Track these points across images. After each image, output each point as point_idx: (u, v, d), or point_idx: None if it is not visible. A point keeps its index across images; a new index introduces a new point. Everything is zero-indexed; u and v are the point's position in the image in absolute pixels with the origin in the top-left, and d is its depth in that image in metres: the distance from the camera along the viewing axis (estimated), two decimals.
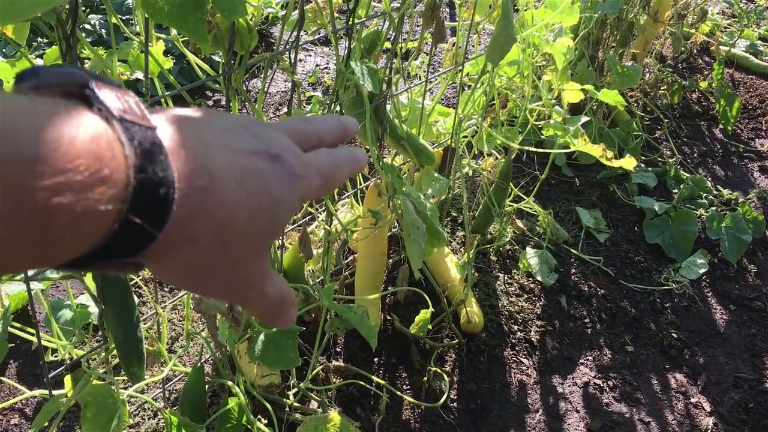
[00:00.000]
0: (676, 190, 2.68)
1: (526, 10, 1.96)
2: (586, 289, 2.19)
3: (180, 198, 0.37)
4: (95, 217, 0.33)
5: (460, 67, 1.94)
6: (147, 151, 0.36)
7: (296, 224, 1.83)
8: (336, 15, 1.39)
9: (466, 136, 2.11)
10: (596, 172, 2.75)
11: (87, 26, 2.79)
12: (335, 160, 0.50)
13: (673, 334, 2.07)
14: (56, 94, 0.36)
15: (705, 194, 2.66)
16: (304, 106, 2.88)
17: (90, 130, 0.33)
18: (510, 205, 2.30)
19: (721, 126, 3.16)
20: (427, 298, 1.72)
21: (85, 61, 1.02)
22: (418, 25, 1.66)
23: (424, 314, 1.75)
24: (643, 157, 2.86)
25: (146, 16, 0.90)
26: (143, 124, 0.37)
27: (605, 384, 1.90)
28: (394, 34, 1.54)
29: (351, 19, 1.37)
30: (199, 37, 0.89)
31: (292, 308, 0.50)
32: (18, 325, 1.31)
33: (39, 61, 1.09)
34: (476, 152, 2.20)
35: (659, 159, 2.89)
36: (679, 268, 2.31)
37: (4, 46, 2.55)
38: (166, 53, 1.19)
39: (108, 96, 0.36)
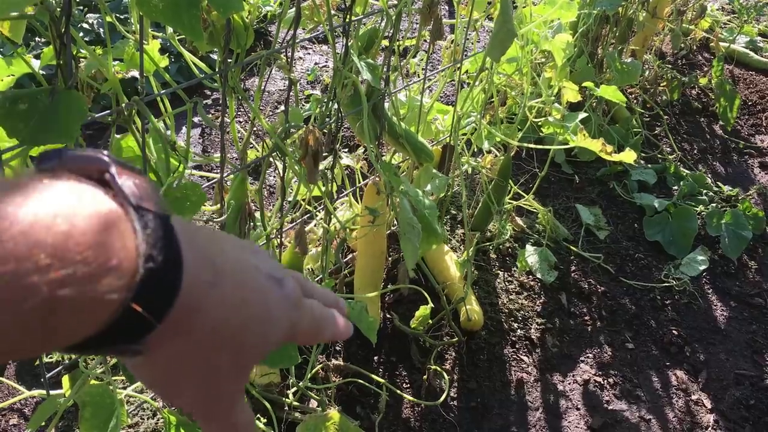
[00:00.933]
0: (676, 187, 2.67)
1: (524, 6, 1.96)
2: (586, 286, 2.18)
3: (185, 289, 0.37)
4: (99, 306, 0.33)
5: (459, 65, 1.94)
6: (160, 239, 0.36)
7: (294, 222, 1.83)
8: (333, 12, 1.39)
9: (465, 134, 2.10)
10: (596, 169, 2.74)
11: (85, 25, 2.78)
12: (327, 314, 0.51)
13: (674, 331, 2.06)
14: (75, 176, 0.36)
15: (705, 191, 2.66)
16: (303, 105, 2.88)
17: (103, 219, 0.34)
18: (509, 203, 2.29)
19: (721, 122, 3.15)
20: (426, 295, 1.71)
21: (81, 60, 1.02)
22: (416, 23, 1.65)
23: (424, 310, 1.75)
24: (643, 154, 2.85)
25: (141, 14, 0.89)
26: (158, 212, 0.37)
27: (606, 381, 1.90)
28: (391, 31, 1.53)
29: (348, 16, 1.36)
30: (194, 34, 0.88)
31: None
32: None
33: (35, 62, 1.08)
34: (475, 150, 2.19)
35: (659, 156, 2.88)
36: (680, 265, 2.31)
37: (1, 45, 2.55)
38: (164, 52, 1.19)
39: (126, 183, 0.37)
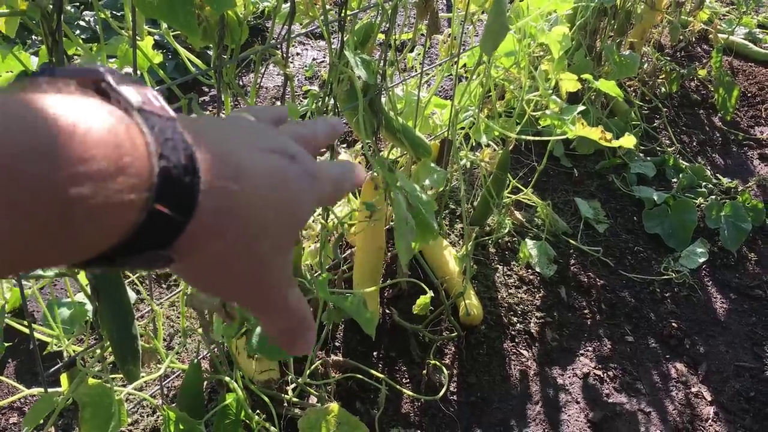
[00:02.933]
0: (675, 180, 2.66)
1: (521, 0, 1.95)
2: (585, 279, 2.18)
3: (206, 188, 0.36)
4: (118, 208, 0.33)
5: (456, 59, 1.93)
6: (169, 140, 0.35)
7: None
8: (329, 7, 1.38)
9: (463, 128, 2.10)
10: (595, 162, 2.73)
11: (81, 23, 2.77)
12: (342, 170, 0.51)
13: (674, 324, 2.06)
14: (72, 89, 0.35)
15: (704, 183, 2.65)
16: (301, 101, 2.87)
17: (107, 120, 0.33)
18: (508, 197, 2.29)
19: (720, 114, 3.15)
20: (426, 288, 1.71)
21: (74, 57, 1.01)
22: (412, 17, 1.64)
23: (425, 298, 1.74)
24: (642, 147, 2.84)
25: (134, 9, 0.89)
26: (163, 114, 0.36)
27: (605, 375, 1.90)
28: (387, 25, 1.53)
29: (344, 11, 1.36)
30: (188, 29, 0.88)
31: (310, 332, 0.49)
32: (16, 321, 1.30)
33: (34, 60, 1.08)
34: (474, 144, 2.19)
35: (658, 148, 2.87)
36: (679, 257, 2.30)
37: None
38: (160, 48, 1.19)
39: (126, 88, 0.36)
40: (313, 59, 3.30)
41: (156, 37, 1.17)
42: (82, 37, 2.70)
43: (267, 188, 0.40)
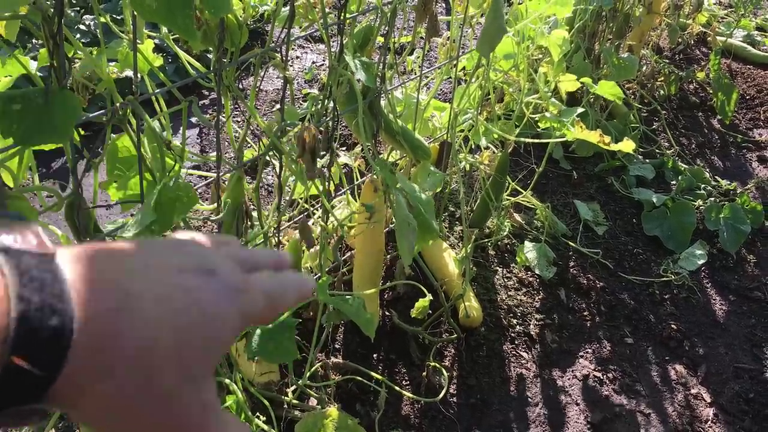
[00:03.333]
0: (674, 182, 2.67)
1: (520, 3, 1.96)
2: (584, 281, 2.19)
3: (82, 325, 0.33)
4: None
5: (455, 62, 1.94)
6: (35, 279, 0.32)
7: (293, 220, 1.83)
8: (328, 10, 1.39)
9: (462, 131, 2.10)
10: (594, 164, 2.74)
11: (82, 27, 2.78)
12: (281, 282, 0.46)
13: (673, 326, 2.07)
14: None
15: (703, 185, 2.66)
16: (301, 104, 2.88)
17: None
18: (507, 199, 2.29)
19: (719, 117, 3.15)
20: (425, 290, 1.71)
21: (75, 60, 1.02)
22: (411, 20, 1.65)
23: (423, 302, 1.75)
24: (641, 149, 2.85)
25: (135, 13, 0.89)
26: (38, 251, 0.34)
27: (605, 376, 1.90)
28: (386, 29, 1.54)
29: (342, 14, 1.36)
30: (187, 33, 0.88)
31: None
32: None
33: (33, 63, 1.08)
34: (473, 146, 2.20)
35: (657, 151, 2.88)
36: (678, 259, 2.31)
37: None
38: (161, 51, 1.19)
39: None
40: (313, 62, 3.31)
41: (156, 41, 1.17)
42: (83, 40, 2.70)
43: (167, 312, 0.37)
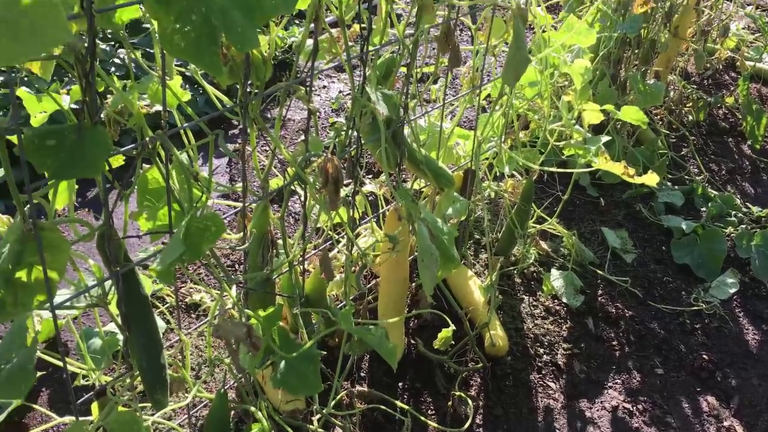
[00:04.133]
0: (704, 209, 2.64)
1: (543, 31, 1.97)
2: (613, 310, 2.16)
3: None
4: None
5: (478, 90, 1.95)
6: None
7: (317, 249, 1.85)
8: (351, 43, 1.42)
9: (486, 158, 2.11)
10: (621, 191, 2.72)
11: (116, 60, 2.87)
12: None
13: (704, 356, 2.03)
14: None
15: (734, 212, 2.62)
16: (327, 132, 2.92)
17: None
18: (533, 227, 2.29)
19: (749, 142, 3.11)
20: (449, 320, 1.71)
21: (107, 95, 1.06)
22: (434, 49, 1.67)
23: (446, 332, 1.74)
24: (670, 176, 2.82)
25: (164, 51, 0.93)
26: None
27: (635, 408, 1.87)
28: (409, 60, 1.56)
29: (365, 46, 1.39)
30: (214, 70, 0.91)
31: None
32: (47, 353, 1.34)
33: (66, 99, 1.13)
34: (498, 173, 2.20)
35: (686, 177, 2.85)
36: (709, 287, 2.27)
37: (37, 79, 2.64)
38: (190, 83, 1.23)
39: None
40: (339, 92, 3.36)
41: (186, 73, 1.21)
42: (117, 74, 2.79)
43: None
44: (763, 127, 3.03)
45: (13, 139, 0.92)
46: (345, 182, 1.48)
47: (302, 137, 2.87)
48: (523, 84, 2.18)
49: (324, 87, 3.42)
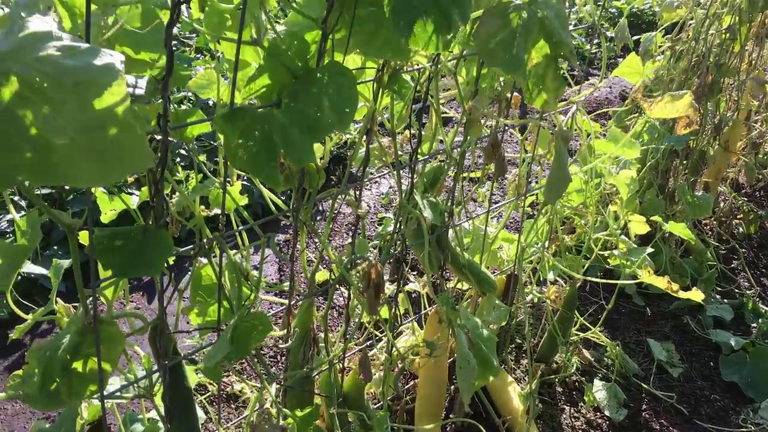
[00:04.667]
0: (754, 324, 2.57)
1: (589, 141, 2.03)
2: (657, 427, 2.09)
3: None
4: None
5: (523, 197, 2.00)
6: None
7: (358, 347, 1.87)
8: (400, 153, 1.50)
9: (531, 262, 2.13)
10: (669, 302, 2.68)
11: (182, 151, 3.04)
12: None
13: None
14: None
15: None
16: (376, 227, 2.99)
17: None
18: (576, 334, 2.26)
19: None
20: (483, 430, 1.69)
21: (172, 196, 1.14)
22: (480, 156, 1.74)
23: None
24: (719, 288, 2.77)
25: (227, 162, 1.01)
26: None
27: None
28: (456, 168, 1.63)
29: (414, 156, 1.47)
30: (272, 182, 0.98)
31: None
32: None
33: (134, 198, 1.22)
34: (541, 279, 2.21)
35: (736, 290, 2.79)
36: (759, 408, 2.18)
37: None
38: (248, 178, 1.31)
39: None
40: (390, 187, 3.45)
41: (244, 181, 1.29)
42: (181, 164, 2.95)
43: None
44: None
45: (84, 236, 1.00)
46: (389, 282, 1.52)
47: (351, 234, 2.94)
48: (568, 192, 2.22)
49: (375, 182, 3.52)
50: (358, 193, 1.37)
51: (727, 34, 2.72)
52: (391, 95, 1.32)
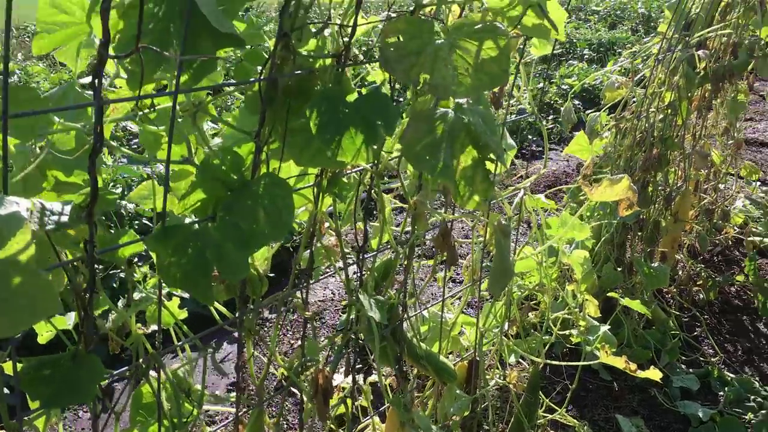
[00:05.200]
0: (721, 393, 2.56)
1: (539, 227, 2.06)
2: None
3: None
4: None
5: (479, 282, 2.01)
6: None
7: None
8: (348, 251, 1.50)
9: (494, 343, 2.12)
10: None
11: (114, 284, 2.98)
12: None
13: None
14: None
15: (753, 396, 2.54)
16: (340, 315, 2.96)
17: None
18: (543, 416, 2.23)
19: (765, 320, 3.08)
20: None
21: (108, 313, 1.12)
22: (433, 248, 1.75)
23: None
24: (684, 358, 2.78)
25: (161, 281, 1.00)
26: None
27: None
28: (406, 262, 1.64)
29: (361, 253, 1.48)
30: (206, 299, 0.98)
31: None
32: None
33: (71, 318, 1.20)
34: (504, 361, 2.19)
35: (701, 359, 2.80)
36: None
37: None
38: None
39: None
40: (354, 272, 3.44)
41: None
42: (114, 285, 2.88)
43: None
44: None
45: (8, 366, 0.98)
46: (350, 373, 1.50)
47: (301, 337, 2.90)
48: (526, 272, 2.24)
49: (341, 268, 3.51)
50: (305, 293, 1.37)
51: (669, 110, 2.83)
52: (332, 198, 1.34)
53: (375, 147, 1.08)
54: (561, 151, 5.20)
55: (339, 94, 1.11)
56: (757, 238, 3.64)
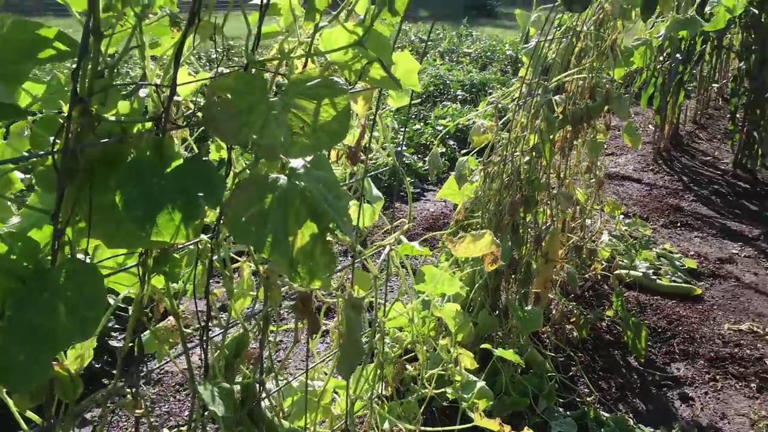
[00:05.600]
0: None
1: (408, 284, 1.98)
2: None
3: None
4: None
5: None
6: None
7: None
8: (188, 331, 1.34)
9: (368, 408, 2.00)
10: (516, 424, 2.63)
11: None
12: None
13: None
14: None
15: None
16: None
17: None
18: None
19: (634, 355, 3.16)
20: None
21: None
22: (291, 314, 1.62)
23: None
24: (561, 400, 2.77)
25: None
26: None
27: None
28: (261, 335, 1.49)
29: (205, 331, 1.32)
30: None
31: None
32: None
33: None
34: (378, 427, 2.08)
35: (577, 399, 2.81)
36: None
37: None
38: None
39: None
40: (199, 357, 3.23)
41: None
42: None
43: None
44: (643, 340, 3.11)
45: None
46: None
47: (186, 392, 2.66)
48: (400, 325, 2.15)
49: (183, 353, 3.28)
50: (135, 391, 1.19)
51: (534, 152, 2.88)
52: (163, 278, 1.18)
53: (197, 222, 0.94)
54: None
55: (154, 163, 0.97)
56: (624, 271, 3.78)
